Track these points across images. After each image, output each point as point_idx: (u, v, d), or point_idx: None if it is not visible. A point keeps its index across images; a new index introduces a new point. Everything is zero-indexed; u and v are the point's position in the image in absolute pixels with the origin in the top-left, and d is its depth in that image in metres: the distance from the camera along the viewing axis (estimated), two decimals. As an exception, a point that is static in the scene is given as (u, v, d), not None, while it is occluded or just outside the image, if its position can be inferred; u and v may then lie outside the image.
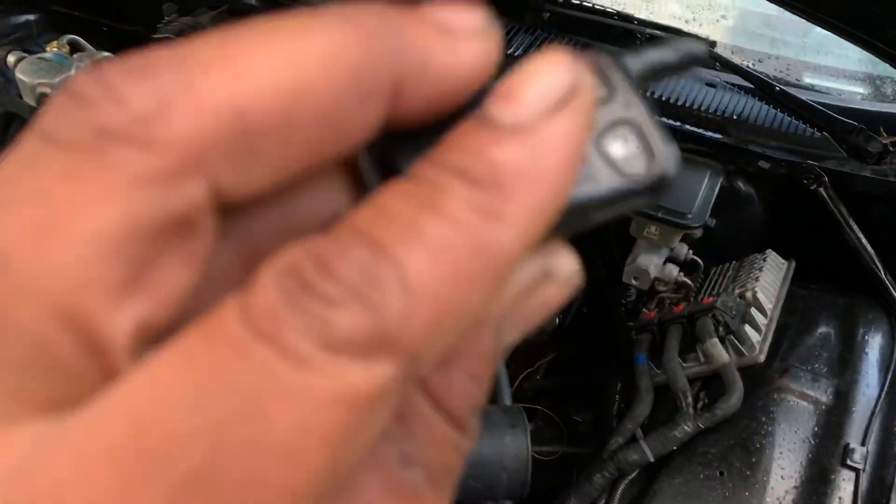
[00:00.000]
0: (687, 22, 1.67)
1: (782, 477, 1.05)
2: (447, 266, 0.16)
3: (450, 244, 0.16)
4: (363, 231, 0.17)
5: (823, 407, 1.13)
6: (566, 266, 0.21)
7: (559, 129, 0.18)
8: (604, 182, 0.18)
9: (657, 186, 0.19)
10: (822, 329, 1.27)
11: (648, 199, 0.19)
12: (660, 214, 1.31)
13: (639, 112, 0.19)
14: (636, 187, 0.18)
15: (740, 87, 1.48)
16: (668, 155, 0.19)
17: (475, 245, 0.17)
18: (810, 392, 1.15)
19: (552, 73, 0.18)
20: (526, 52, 1.53)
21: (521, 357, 1.73)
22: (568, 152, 0.18)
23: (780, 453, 1.07)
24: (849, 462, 1.06)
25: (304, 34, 0.17)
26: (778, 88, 1.41)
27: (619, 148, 0.18)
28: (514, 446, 1.02)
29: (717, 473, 1.07)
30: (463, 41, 0.19)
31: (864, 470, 1.06)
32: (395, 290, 0.16)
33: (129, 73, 0.16)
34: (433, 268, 0.16)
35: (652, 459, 1.13)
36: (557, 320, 1.76)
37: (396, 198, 0.17)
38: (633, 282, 1.38)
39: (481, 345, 0.20)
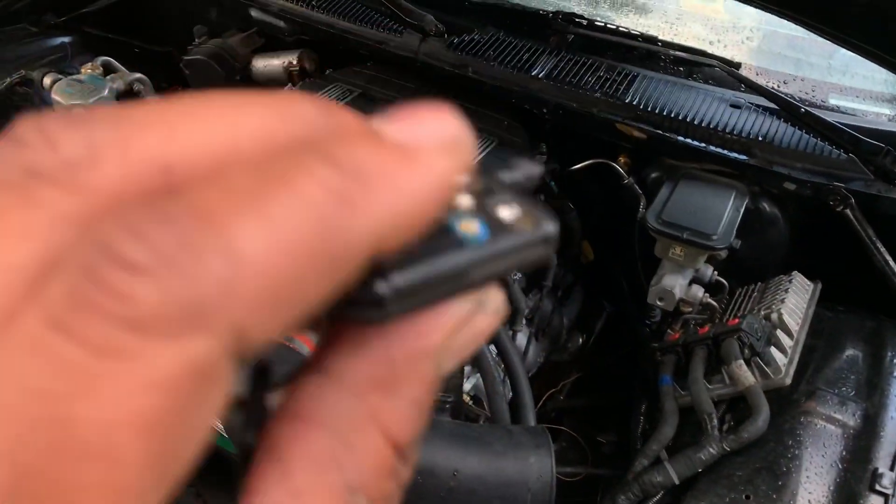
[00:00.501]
0: (711, 43, 1.68)
1: (810, 501, 1.04)
2: (286, 242, 0.16)
3: (294, 220, 0.16)
4: (192, 200, 0.16)
5: (851, 431, 1.12)
6: (494, 298, 0.22)
7: (438, 162, 0.20)
8: (501, 242, 0.21)
9: (545, 241, 0.22)
10: (849, 352, 1.26)
11: (540, 253, 0.23)
12: (685, 235, 1.31)
13: (517, 197, 0.23)
14: (528, 242, 0.22)
15: (765, 109, 1.48)
16: (547, 217, 0.23)
17: (322, 226, 0.16)
18: (838, 415, 1.14)
19: (446, 122, 0.21)
20: (549, 74, 1.54)
21: (544, 377, 1.73)
22: (438, 182, 0.20)
23: (808, 477, 1.06)
24: (877, 487, 1.05)
25: (243, 110, 0.18)
26: (803, 110, 1.41)
27: (508, 213, 0.22)
28: (539, 467, 1.02)
29: (744, 497, 1.06)
30: (405, 169, 0.19)
31: (893, 495, 1.04)
32: (215, 259, 0.15)
33: (67, 122, 0.17)
34: (269, 241, 0.16)
35: (677, 482, 1.12)
36: (581, 340, 1.77)
37: (242, 170, 0.17)
38: (658, 303, 1.38)
39: (423, 372, 0.21)
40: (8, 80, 1.69)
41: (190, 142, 0.17)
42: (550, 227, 0.22)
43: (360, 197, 0.17)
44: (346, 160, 0.18)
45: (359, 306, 0.19)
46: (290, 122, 0.18)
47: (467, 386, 1.32)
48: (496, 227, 0.21)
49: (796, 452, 1.09)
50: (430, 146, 0.20)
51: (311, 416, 0.20)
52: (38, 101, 1.70)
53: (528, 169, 0.25)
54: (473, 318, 0.22)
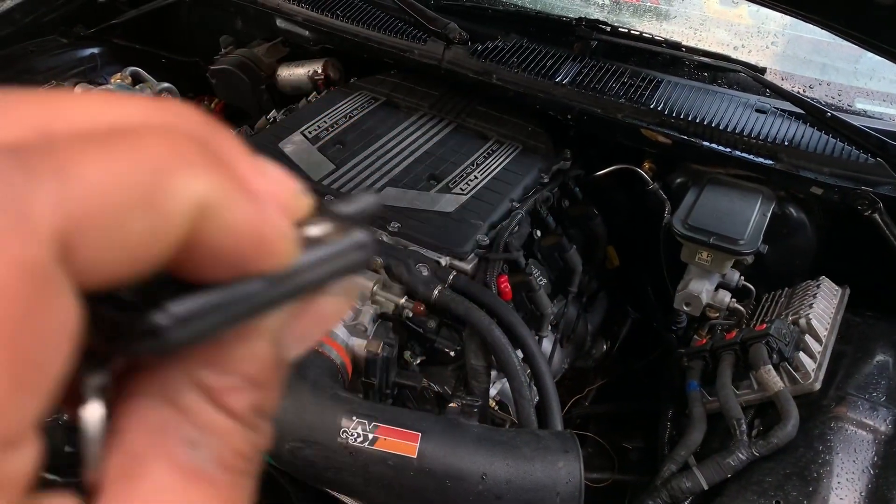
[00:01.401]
0: (735, 49, 1.67)
1: (841, 507, 1.03)
2: (119, 181, 0.18)
3: (132, 166, 0.18)
4: (44, 141, 0.18)
5: (882, 436, 1.11)
6: (346, 287, 0.25)
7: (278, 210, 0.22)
8: (310, 255, 0.23)
9: (358, 247, 0.25)
10: (879, 357, 1.25)
11: (357, 258, 0.25)
12: (712, 240, 1.31)
13: (334, 219, 0.25)
14: (339, 250, 0.24)
15: (791, 113, 1.48)
16: (358, 229, 0.25)
17: (156, 181, 0.18)
18: (868, 421, 1.13)
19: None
20: (573, 81, 1.54)
21: (569, 383, 1.73)
22: (271, 227, 0.22)
23: (839, 483, 1.05)
24: (910, 493, 1.04)
25: (128, 102, 0.20)
26: (829, 114, 1.40)
27: (317, 230, 0.24)
28: (568, 472, 1.02)
29: (774, 503, 1.05)
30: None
31: (926, 501, 1.04)
32: (49, 178, 0.17)
33: None
34: (104, 176, 0.18)
35: (706, 487, 1.11)
36: (605, 347, 1.76)
37: (104, 127, 0.19)
38: (685, 308, 1.37)
39: (255, 351, 0.23)
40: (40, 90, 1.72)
41: (71, 118, 0.19)
42: (361, 234, 0.25)
43: (201, 173, 0.19)
44: (207, 152, 0.20)
45: (139, 338, 0.20)
46: (171, 119, 0.20)
47: (493, 391, 1.32)
48: (304, 245, 0.23)
49: (827, 458, 1.08)
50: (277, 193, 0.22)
51: (143, 389, 0.22)
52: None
53: (365, 201, 0.27)
54: (316, 302, 0.24)
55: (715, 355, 1.31)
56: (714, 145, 1.44)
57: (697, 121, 1.45)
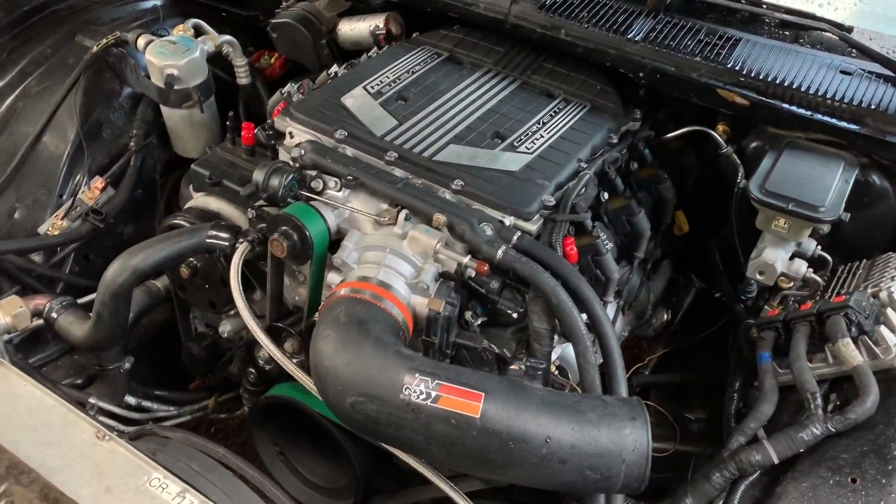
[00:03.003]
0: (820, 6, 1.59)
1: (923, 488, 0.98)
2: None
3: None
4: None
5: (969, 416, 1.05)
6: None
7: None
8: None
9: None
10: (965, 334, 1.19)
11: None
12: (790, 206, 1.25)
13: None
14: None
15: (879, 76, 1.40)
16: None
17: None
18: (955, 400, 1.07)
19: None
20: (647, 37, 1.48)
21: (628, 353, 1.69)
22: None
23: (921, 463, 1.00)
24: None
25: None
26: (922, 77, 1.33)
27: None
28: (634, 439, 0.99)
29: (849, 480, 1.01)
30: None
31: None
32: None
33: None
34: None
35: (776, 461, 1.07)
36: (667, 317, 1.72)
37: None
38: (758, 277, 1.32)
39: None
40: (104, 41, 1.73)
41: None
42: None
43: None
44: None
45: None
46: None
47: (553, 355, 1.29)
48: None
49: (908, 437, 1.03)
50: None
51: None
52: (131, 61, 1.73)
53: None
54: None
55: (788, 327, 1.26)
56: (794, 108, 1.37)
57: (777, 82, 1.38)
